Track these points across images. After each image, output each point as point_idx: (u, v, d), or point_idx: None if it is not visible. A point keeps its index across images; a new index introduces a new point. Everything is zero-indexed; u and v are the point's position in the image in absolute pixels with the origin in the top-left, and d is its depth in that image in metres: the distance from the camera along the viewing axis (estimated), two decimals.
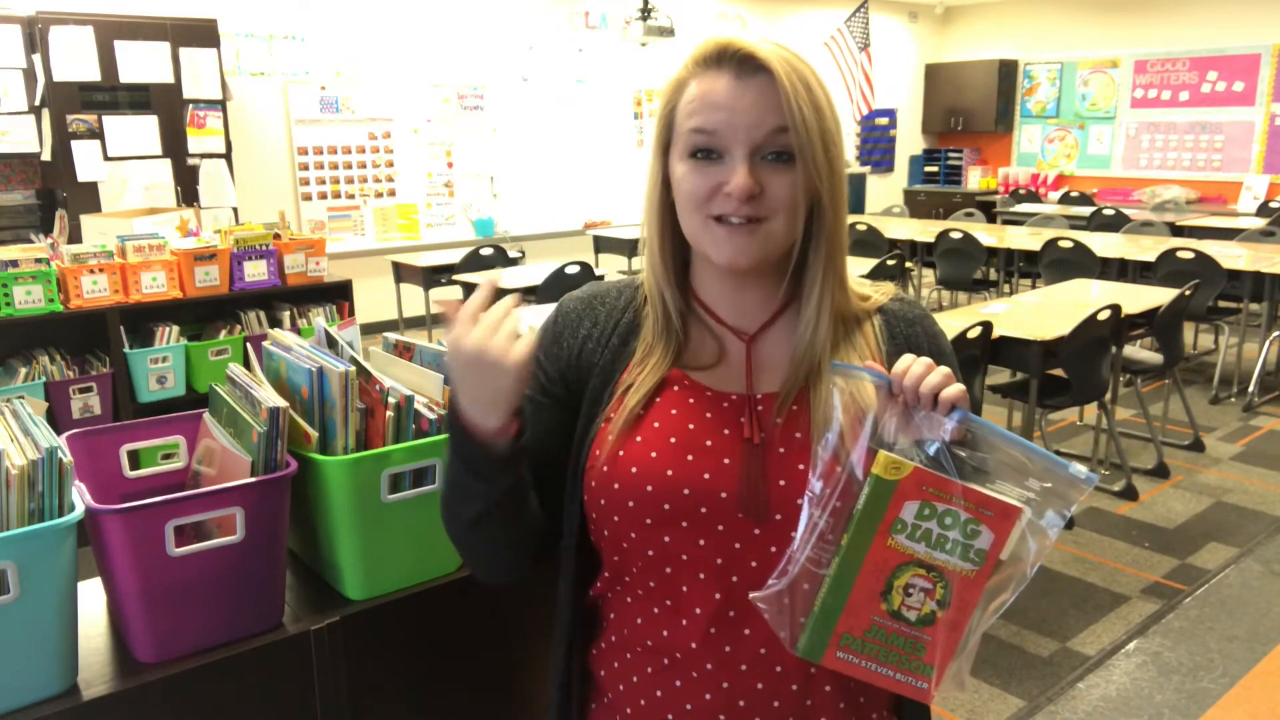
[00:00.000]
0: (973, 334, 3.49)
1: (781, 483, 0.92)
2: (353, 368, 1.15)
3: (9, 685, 0.98)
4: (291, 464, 1.13)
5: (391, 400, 1.17)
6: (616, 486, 0.94)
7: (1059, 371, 3.89)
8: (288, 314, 3.62)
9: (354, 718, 1.19)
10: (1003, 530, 0.81)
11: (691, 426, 0.95)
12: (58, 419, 3.17)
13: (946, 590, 0.82)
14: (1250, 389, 5.40)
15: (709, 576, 0.93)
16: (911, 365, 0.84)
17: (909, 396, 0.83)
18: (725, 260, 0.92)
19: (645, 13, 7.53)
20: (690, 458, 0.93)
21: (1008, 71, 10.86)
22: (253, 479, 1.09)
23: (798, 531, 0.83)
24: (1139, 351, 4.67)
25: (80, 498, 1.01)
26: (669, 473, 0.93)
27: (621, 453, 0.95)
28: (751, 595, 0.85)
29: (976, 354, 3.57)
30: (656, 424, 0.96)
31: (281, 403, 1.10)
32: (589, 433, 0.99)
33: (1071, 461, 0.82)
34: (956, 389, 0.83)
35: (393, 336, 1.36)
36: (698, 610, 0.94)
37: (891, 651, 0.83)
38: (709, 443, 0.94)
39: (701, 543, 0.93)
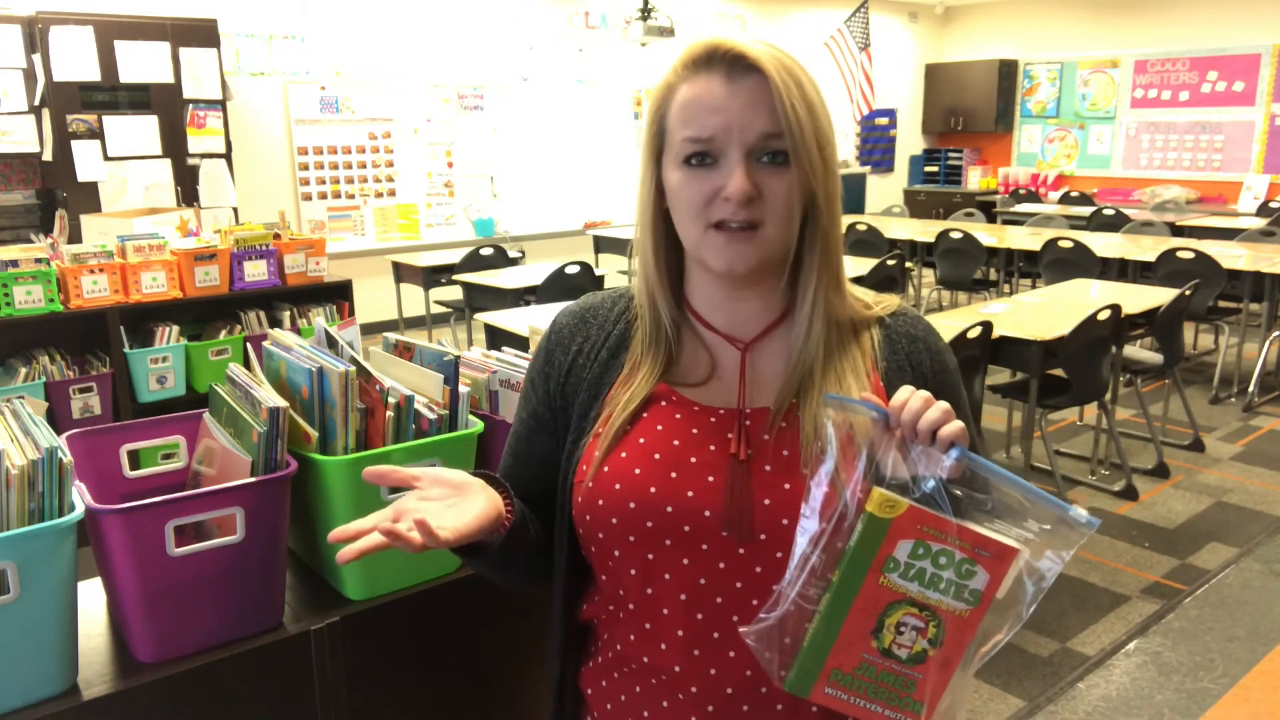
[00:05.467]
0: (973, 334, 3.49)
1: (767, 502, 0.90)
2: (353, 368, 1.15)
3: (9, 685, 0.98)
4: (291, 464, 1.13)
5: (391, 400, 1.17)
6: (601, 503, 0.93)
7: (1059, 371, 3.89)
8: (288, 314, 3.62)
9: (354, 718, 1.19)
10: (998, 571, 0.80)
11: (676, 442, 0.93)
12: (58, 419, 3.17)
13: (939, 629, 0.81)
14: (1250, 389, 5.40)
15: (691, 597, 0.92)
16: (910, 399, 0.81)
17: (906, 431, 0.81)
18: (723, 266, 0.91)
19: (645, 13, 7.53)
20: (674, 475, 0.92)
21: (1008, 71, 10.86)
22: (253, 479, 1.09)
23: (790, 566, 0.82)
24: (1139, 351, 4.67)
25: (80, 498, 1.01)
26: (652, 489, 0.92)
27: (606, 468, 0.94)
28: (741, 630, 0.84)
29: (976, 354, 3.57)
30: (641, 440, 0.94)
31: (281, 403, 1.10)
32: (577, 448, 0.98)
33: (1073, 505, 0.79)
34: (955, 426, 0.80)
35: (393, 336, 1.36)
36: (680, 632, 0.92)
37: (881, 688, 0.82)
38: (693, 459, 0.92)
39: (685, 562, 0.91)
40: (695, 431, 0.94)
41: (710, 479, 0.92)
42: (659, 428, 0.95)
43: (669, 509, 0.91)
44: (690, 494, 0.91)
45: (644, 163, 0.96)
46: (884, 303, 1.01)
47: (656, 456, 0.93)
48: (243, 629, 1.13)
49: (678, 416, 0.95)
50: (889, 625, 0.81)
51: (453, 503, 0.87)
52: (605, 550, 0.96)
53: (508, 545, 0.93)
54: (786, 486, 0.90)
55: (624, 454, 0.94)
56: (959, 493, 0.81)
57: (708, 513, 0.91)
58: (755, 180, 0.88)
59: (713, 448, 0.93)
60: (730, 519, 0.90)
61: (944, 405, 0.81)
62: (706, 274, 0.96)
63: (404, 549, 0.81)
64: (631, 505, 0.92)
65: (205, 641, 1.10)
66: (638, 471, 0.93)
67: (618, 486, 0.93)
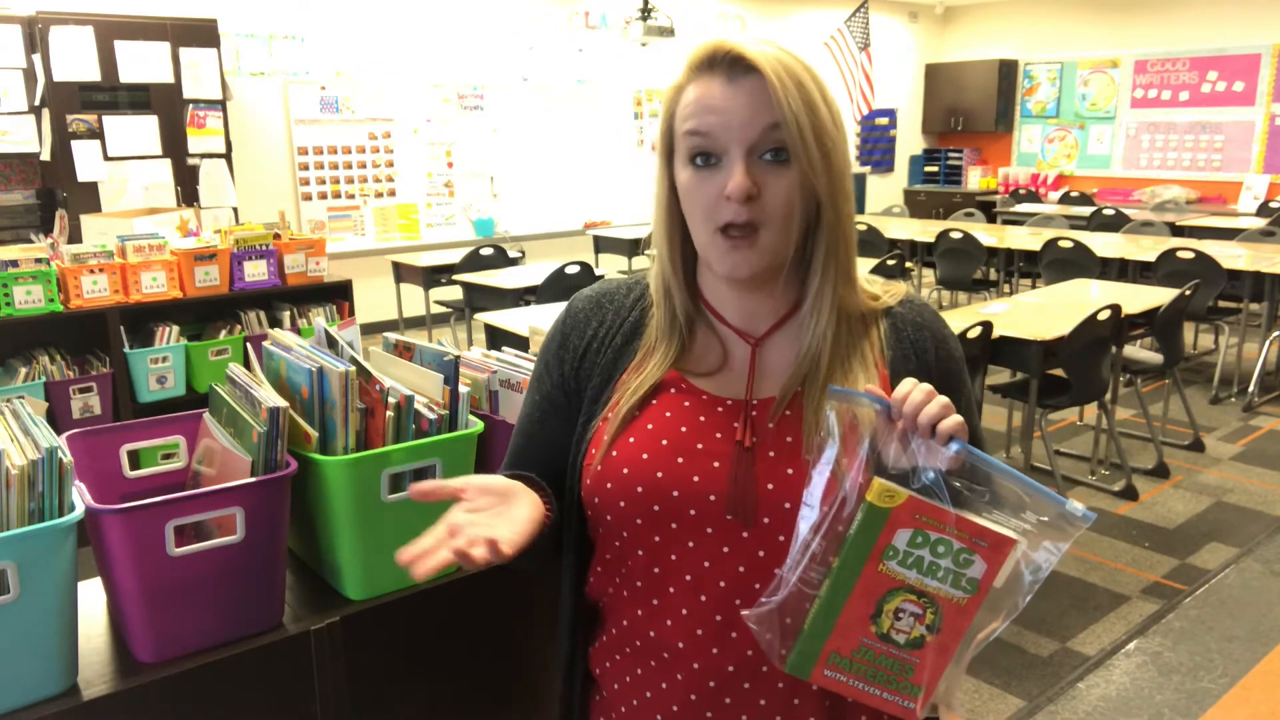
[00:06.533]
0: (973, 334, 3.49)
1: (770, 486, 0.92)
2: (353, 368, 1.15)
3: (9, 685, 0.98)
4: (291, 464, 1.13)
5: (391, 400, 1.17)
6: (609, 486, 0.95)
7: (1059, 371, 3.89)
8: (288, 314, 3.62)
9: (354, 718, 1.19)
10: (995, 561, 0.82)
11: (684, 429, 0.95)
12: (58, 419, 3.17)
13: (937, 616, 0.83)
14: (1250, 389, 5.40)
15: (696, 579, 0.94)
16: (911, 392, 0.83)
17: (907, 424, 0.83)
18: (726, 271, 0.93)
19: (645, 13, 7.53)
20: (680, 460, 0.94)
21: (1008, 71, 10.86)
22: (253, 479, 1.09)
23: (791, 551, 0.84)
24: (1139, 351, 4.67)
25: (80, 498, 1.01)
26: (659, 474, 0.94)
27: (614, 452, 0.96)
28: (743, 613, 0.86)
29: (976, 354, 3.57)
30: (650, 425, 0.96)
31: (281, 403, 1.11)
32: (588, 431, 1.00)
33: (1069, 499, 0.81)
34: (954, 420, 0.82)
35: (393, 336, 1.37)
36: (684, 611, 0.95)
37: (879, 672, 0.84)
38: (700, 445, 0.95)
39: (690, 544, 0.94)
40: (703, 419, 0.96)
41: (715, 464, 0.93)
42: (667, 414, 0.97)
43: (675, 493, 0.93)
44: (696, 479, 0.93)
45: (659, 161, 0.98)
46: (892, 291, 1.03)
47: (664, 442, 0.95)
48: (243, 629, 1.13)
49: (686, 404, 0.97)
50: (887, 611, 0.83)
51: (499, 511, 0.88)
52: (613, 531, 0.98)
53: (547, 542, 0.95)
54: (789, 472, 0.92)
55: (632, 439, 0.96)
56: (958, 484, 0.83)
57: (712, 497, 0.93)
58: (756, 179, 0.89)
59: (719, 435, 0.95)
60: (734, 503, 0.92)
61: (944, 400, 0.83)
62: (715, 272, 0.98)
63: (467, 566, 0.81)
64: (639, 489, 0.94)
65: (205, 641, 1.10)
66: (645, 456, 0.95)
67: (625, 471, 0.95)
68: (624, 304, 1.05)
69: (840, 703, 0.95)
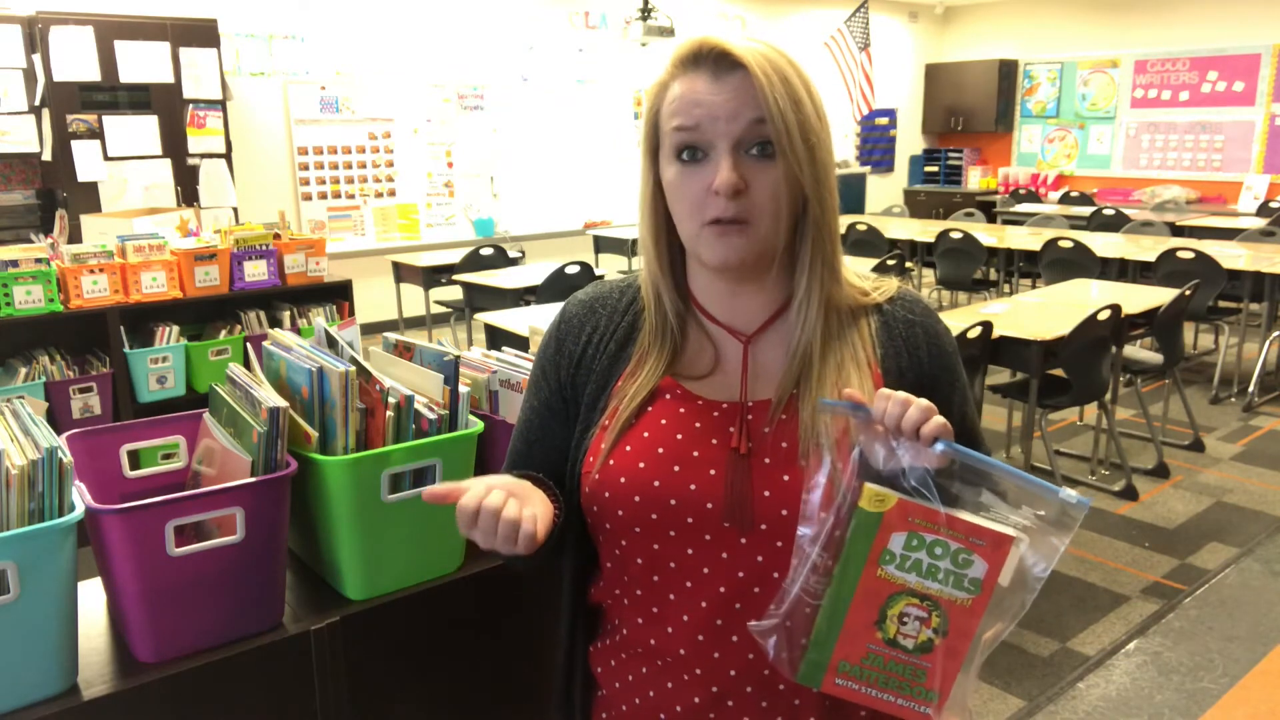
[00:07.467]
0: (973, 334, 3.49)
1: (766, 494, 0.92)
2: (353, 368, 1.15)
3: (9, 685, 0.98)
4: (291, 464, 1.13)
5: (391, 400, 1.17)
6: (607, 495, 0.96)
7: (1059, 371, 3.89)
8: (288, 314, 3.62)
9: (354, 718, 1.19)
10: (996, 559, 0.81)
11: (680, 437, 0.96)
12: (58, 419, 3.17)
13: (943, 619, 0.83)
14: (1250, 389, 5.40)
15: (696, 585, 0.94)
16: (888, 405, 0.83)
17: (890, 431, 0.83)
18: (718, 261, 0.93)
19: (645, 13, 7.53)
20: (677, 469, 0.94)
21: (1008, 71, 10.85)
22: (253, 479, 1.09)
23: (793, 562, 0.84)
24: (1139, 351, 4.67)
25: (80, 498, 1.01)
26: (656, 484, 0.94)
27: (612, 462, 0.96)
28: (750, 625, 0.86)
29: (976, 354, 3.57)
30: (646, 434, 0.96)
31: (281, 403, 1.11)
32: (585, 438, 1.00)
33: (1063, 487, 0.81)
34: (937, 423, 0.82)
35: (393, 336, 1.36)
36: (685, 617, 0.95)
37: (891, 678, 0.84)
38: (696, 453, 0.95)
39: (689, 552, 0.94)
40: (698, 425, 0.96)
41: (712, 472, 0.93)
42: (663, 422, 0.97)
43: (672, 502, 0.93)
44: (693, 487, 0.93)
45: (643, 159, 0.98)
46: (882, 288, 1.03)
47: (660, 451, 0.95)
48: (243, 629, 1.13)
49: (681, 410, 0.97)
50: (891, 616, 0.83)
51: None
52: (612, 539, 0.98)
53: (554, 540, 0.95)
54: (785, 479, 0.92)
55: (629, 448, 0.96)
56: (952, 485, 0.83)
57: (709, 505, 0.93)
58: (743, 173, 0.89)
59: (715, 441, 0.95)
60: (730, 511, 0.92)
61: (924, 404, 0.83)
62: (705, 268, 0.97)
63: (503, 544, 0.84)
64: (636, 499, 0.94)
65: (205, 641, 1.10)
66: (642, 465, 0.95)
67: (623, 480, 0.95)
68: (617, 307, 1.04)
69: (840, 704, 0.95)
